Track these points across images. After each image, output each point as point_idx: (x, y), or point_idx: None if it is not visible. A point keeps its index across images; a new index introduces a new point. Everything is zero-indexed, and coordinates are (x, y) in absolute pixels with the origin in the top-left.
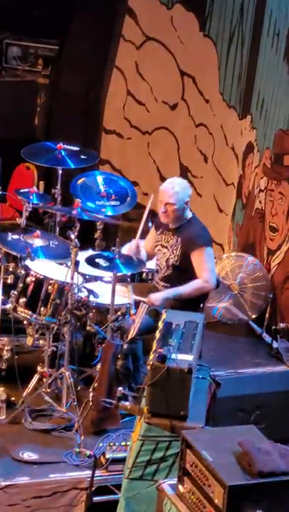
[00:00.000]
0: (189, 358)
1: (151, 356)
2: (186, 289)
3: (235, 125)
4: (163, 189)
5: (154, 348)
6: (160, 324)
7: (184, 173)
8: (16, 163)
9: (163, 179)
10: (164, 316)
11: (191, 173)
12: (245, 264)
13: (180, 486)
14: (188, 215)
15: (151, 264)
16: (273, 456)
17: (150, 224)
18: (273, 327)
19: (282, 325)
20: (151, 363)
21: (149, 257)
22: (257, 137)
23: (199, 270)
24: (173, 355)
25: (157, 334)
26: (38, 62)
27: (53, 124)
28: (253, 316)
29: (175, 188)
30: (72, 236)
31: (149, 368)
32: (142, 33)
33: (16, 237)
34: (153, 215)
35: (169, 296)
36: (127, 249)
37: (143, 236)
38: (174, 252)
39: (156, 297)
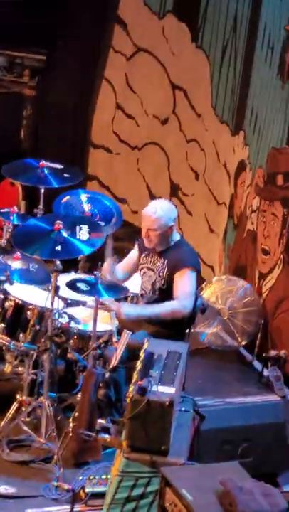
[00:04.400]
0: (171, 390)
1: (131, 388)
2: (161, 309)
3: (227, 141)
4: (145, 214)
5: (134, 380)
6: (141, 354)
7: (175, 190)
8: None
9: (152, 196)
10: (145, 346)
11: (182, 191)
12: (236, 289)
13: None
14: (176, 237)
15: (135, 288)
16: (256, 496)
17: (136, 243)
18: (264, 354)
19: (273, 352)
20: (131, 395)
21: (128, 277)
22: (250, 155)
23: (177, 290)
24: (154, 388)
25: (138, 365)
26: (25, 73)
27: (39, 138)
28: (243, 343)
29: (157, 213)
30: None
31: (128, 400)
32: (132, 44)
33: None
34: (138, 234)
35: (144, 314)
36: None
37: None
38: (161, 275)
39: (128, 311)
